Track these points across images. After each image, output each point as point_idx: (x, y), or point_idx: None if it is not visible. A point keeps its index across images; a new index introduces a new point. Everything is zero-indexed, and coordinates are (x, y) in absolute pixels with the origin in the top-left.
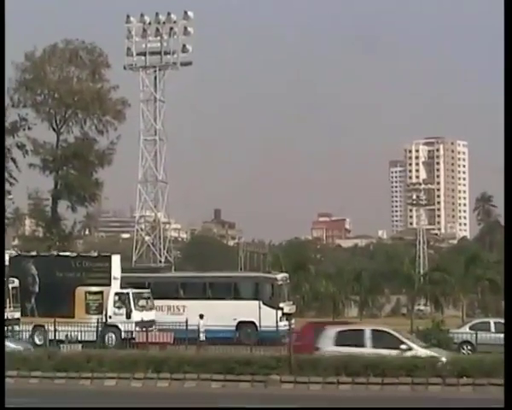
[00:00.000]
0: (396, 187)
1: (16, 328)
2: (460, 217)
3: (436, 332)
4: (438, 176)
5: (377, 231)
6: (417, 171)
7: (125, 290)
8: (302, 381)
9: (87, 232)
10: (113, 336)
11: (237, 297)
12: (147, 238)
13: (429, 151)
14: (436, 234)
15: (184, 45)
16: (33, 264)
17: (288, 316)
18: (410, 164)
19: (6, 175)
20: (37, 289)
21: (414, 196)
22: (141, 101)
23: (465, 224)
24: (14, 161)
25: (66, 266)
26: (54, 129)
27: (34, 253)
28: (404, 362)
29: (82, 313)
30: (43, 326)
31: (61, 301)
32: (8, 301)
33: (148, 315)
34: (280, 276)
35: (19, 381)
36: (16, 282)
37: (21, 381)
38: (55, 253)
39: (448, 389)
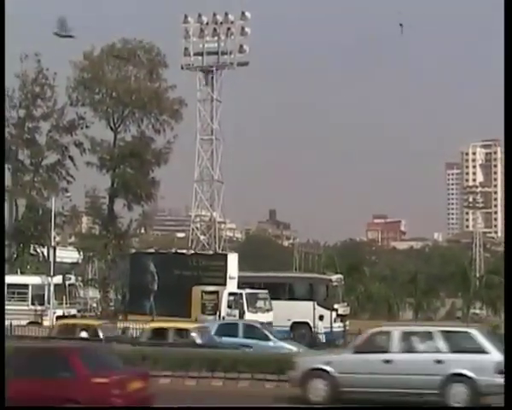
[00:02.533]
0: (452, 189)
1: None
2: None
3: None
4: (495, 179)
5: (433, 233)
6: (474, 173)
7: (238, 291)
8: None
9: (142, 231)
10: None
11: (291, 298)
12: (202, 237)
13: (486, 154)
14: (493, 237)
15: (241, 46)
16: (152, 261)
17: (342, 317)
18: (467, 166)
19: (63, 173)
20: (155, 288)
21: (470, 199)
22: (198, 100)
23: None
24: (71, 159)
25: (183, 264)
26: (111, 128)
27: (152, 250)
28: None
29: (198, 313)
30: None
31: (177, 301)
32: (64, 297)
33: (263, 317)
34: (334, 277)
35: None
36: (73, 279)
37: None
38: (172, 250)
39: None
